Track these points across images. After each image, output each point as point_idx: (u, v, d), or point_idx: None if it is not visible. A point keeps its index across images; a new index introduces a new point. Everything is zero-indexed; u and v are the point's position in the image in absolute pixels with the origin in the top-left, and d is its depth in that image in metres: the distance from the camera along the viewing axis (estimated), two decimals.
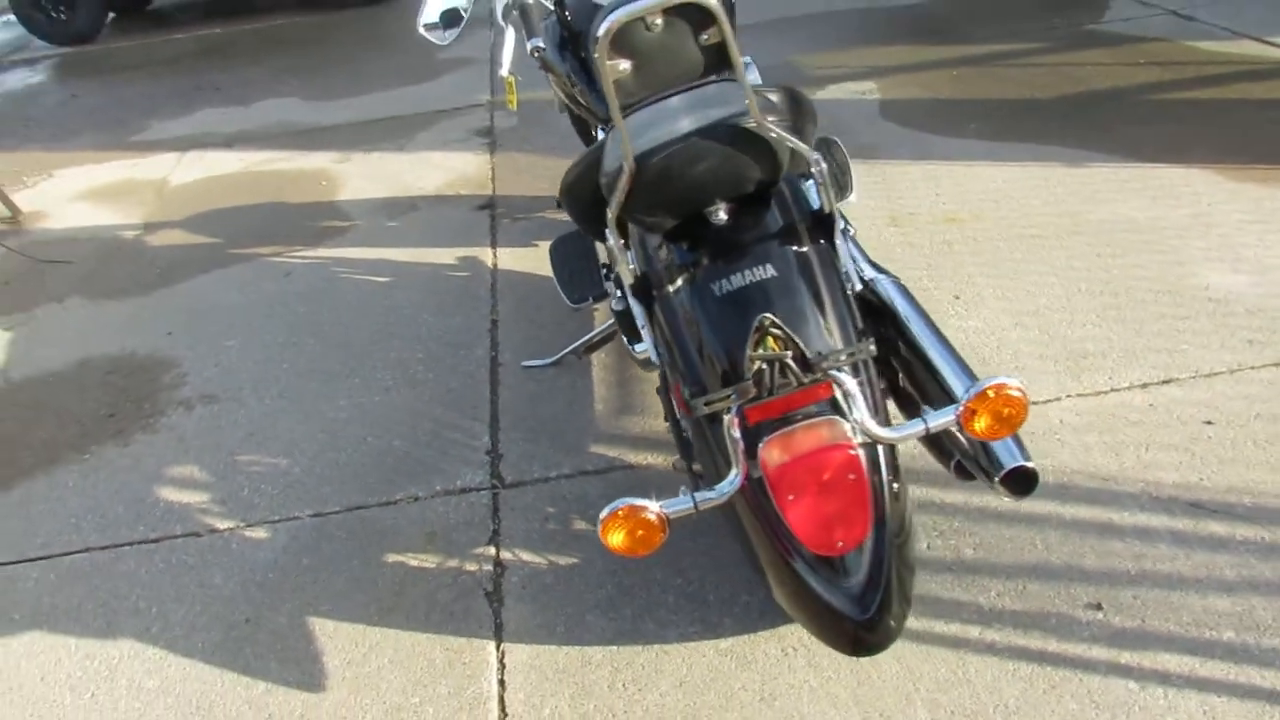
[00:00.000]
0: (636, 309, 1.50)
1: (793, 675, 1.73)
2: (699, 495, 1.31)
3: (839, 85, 4.52)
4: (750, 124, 1.36)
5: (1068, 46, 4.58)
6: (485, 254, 3.34)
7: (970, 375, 1.62)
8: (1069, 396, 2.33)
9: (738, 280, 1.39)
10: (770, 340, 1.27)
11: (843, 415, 1.30)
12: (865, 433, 1.30)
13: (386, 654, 1.87)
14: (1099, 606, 1.80)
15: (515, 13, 2.24)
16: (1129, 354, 2.44)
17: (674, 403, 1.57)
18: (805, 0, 5.93)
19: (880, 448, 1.34)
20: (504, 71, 2.26)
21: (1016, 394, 1.28)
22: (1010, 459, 1.45)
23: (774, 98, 1.70)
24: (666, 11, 1.25)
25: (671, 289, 1.44)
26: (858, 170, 3.64)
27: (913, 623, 1.81)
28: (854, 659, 1.72)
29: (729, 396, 1.29)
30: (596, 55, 1.27)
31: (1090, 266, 2.83)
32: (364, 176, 4.15)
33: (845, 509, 1.25)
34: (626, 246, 1.58)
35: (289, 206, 3.95)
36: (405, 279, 3.25)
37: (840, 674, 1.72)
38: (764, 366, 1.27)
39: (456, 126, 4.60)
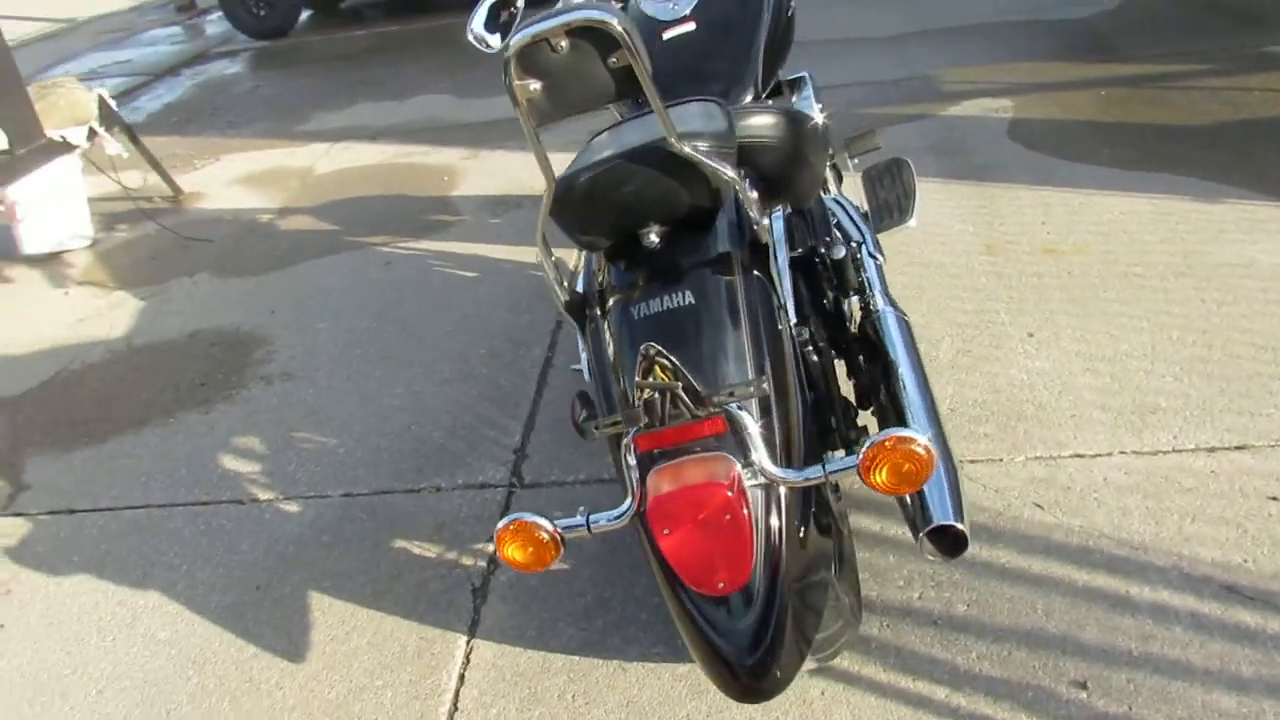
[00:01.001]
0: (575, 326, 1.51)
1: (740, 712, 1.69)
2: (593, 517, 1.31)
3: (973, 101, 4.32)
4: (677, 148, 1.33)
5: (1237, 69, 4.19)
6: (570, 255, 3.39)
7: (940, 437, 1.53)
8: (1122, 453, 2.15)
9: (654, 305, 1.37)
10: (658, 370, 1.25)
11: (746, 452, 1.26)
12: (762, 473, 1.26)
13: (367, 635, 1.96)
14: (1085, 685, 1.66)
15: None
16: (1204, 413, 2.22)
17: None
18: (977, 10, 5.69)
19: (784, 489, 1.29)
20: None
21: (920, 450, 1.20)
22: (940, 515, 1.36)
23: (759, 120, 1.66)
24: (572, 35, 1.25)
25: (599, 308, 1.44)
26: (964, 192, 3.49)
27: (879, 673, 1.73)
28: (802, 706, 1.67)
29: (618, 422, 1.28)
30: (504, 77, 1.29)
31: (1190, 313, 2.59)
32: (483, 173, 4.31)
33: (724, 549, 1.21)
34: (606, 263, 1.58)
35: (409, 199, 4.15)
36: (492, 275, 3.36)
37: (788, 717, 1.67)
38: (655, 395, 1.25)
39: (580, 128, 4.69)
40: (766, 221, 1.39)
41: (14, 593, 2.21)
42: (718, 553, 1.21)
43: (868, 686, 1.71)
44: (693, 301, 1.35)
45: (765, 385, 1.26)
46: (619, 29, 1.23)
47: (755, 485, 1.26)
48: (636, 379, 1.25)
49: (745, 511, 1.20)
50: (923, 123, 4.18)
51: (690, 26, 2.23)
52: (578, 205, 1.43)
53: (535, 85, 1.29)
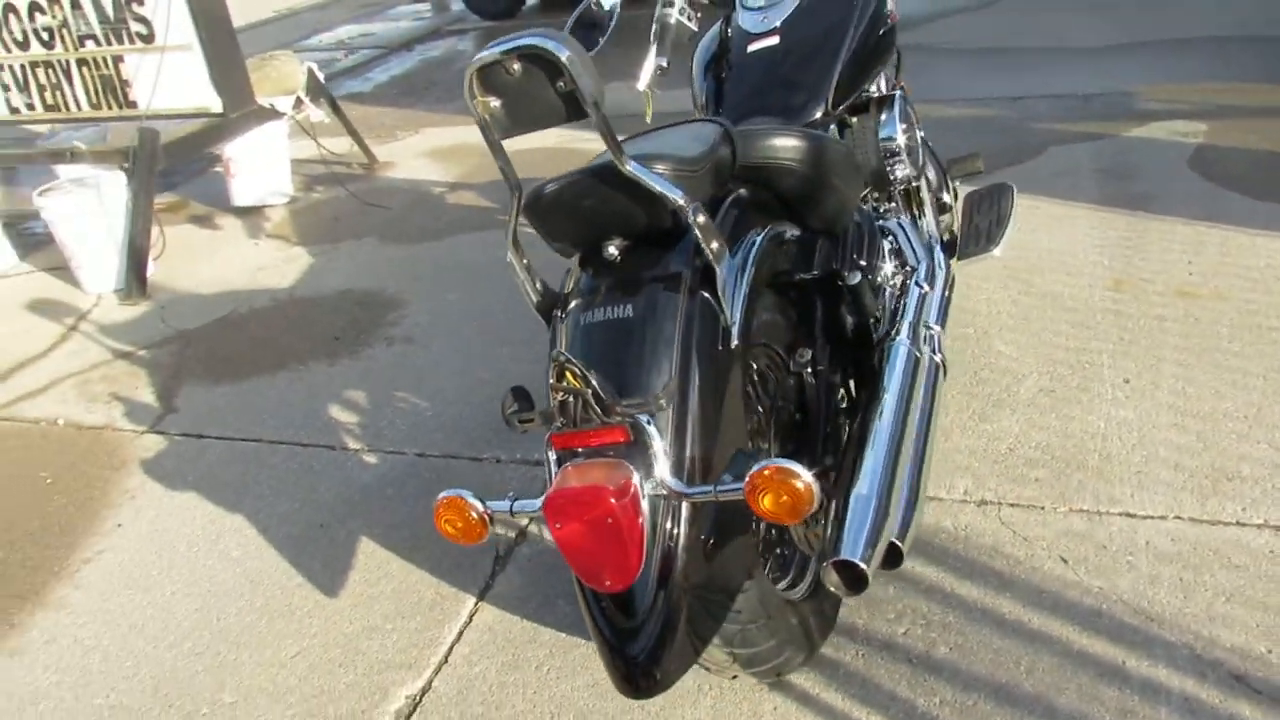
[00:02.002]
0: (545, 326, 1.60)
1: (694, 710, 1.75)
2: (517, 504, 1.41)
3: (1163, 123, 4.01)
4: (624, 169, 1.39)
5: None
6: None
7: (887, 476, 1.52)
8: (1177, 518, 2.00)
9: (598, 315, 1.44)
10: (569, 375, 1.32)
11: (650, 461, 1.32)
12: (660, 484, 1.31)
13: (395, 582, 2.15)
14: None
15: (656, 27, 2.35)
16: None
17: None
18: (1205, 22, 5.25)
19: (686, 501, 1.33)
20: (641, 85, 2.39)
21: (799, 485, 1.22)
22: (846, 550, 1.37)
23: (778, 142, 1.68)
24: (524, 59, 1.33)
25: (559, 313, 1.53)
26: (1113, 220, 3.27)
27: (837, 700, 1.73)
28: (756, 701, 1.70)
29: (533, 419, 1.36)
30: (464, 94, 1.39)
31: None
32: None
33: (608, 551, 1.27)
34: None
35: None
36: None
37: None
38: (569, 399, 1.33)
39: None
40: (715, 245, 1.42)
41: (136, 499, 2.58)
42: (602, 553, 1.28)
43: (820, 710, 1.72)
44: (630, 315, 1.41)
45: (664, 401, 1.32)
46: (561, 57, 1.31)
47: (657, 495, 1.32)
48: (550, 382, 1.34)
49: (635, 518, 1.27)
50: (1099, 143, 3.94)
51: (774, 41, 2.25)
52: (544, 214, 1.52)
53: (495, 102, 1.39)
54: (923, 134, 2.90)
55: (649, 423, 1.32)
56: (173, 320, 3.58)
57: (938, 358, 1.99)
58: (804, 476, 1.23)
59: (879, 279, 2.01)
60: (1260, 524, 1.96)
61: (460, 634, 2.00)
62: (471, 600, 2.08)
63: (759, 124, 2.11)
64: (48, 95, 4.30)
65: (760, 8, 2.34)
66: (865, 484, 1.49)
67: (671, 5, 2.34)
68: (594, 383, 1.30)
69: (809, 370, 1.79)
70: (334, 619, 2.08)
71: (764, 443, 1.67)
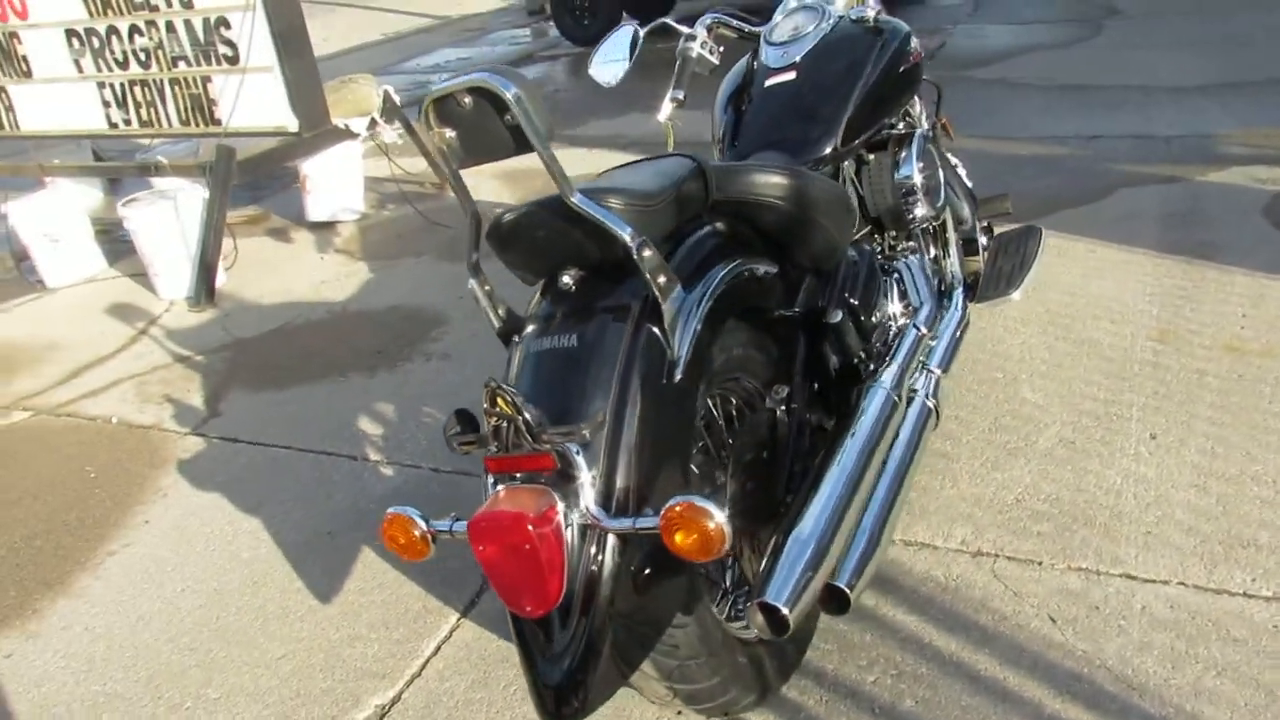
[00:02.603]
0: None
1: None
2: (456, 524, 1.43)
3: (1242, 168, 3.84)
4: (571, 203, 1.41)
5: None
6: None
7: (833, 520, 1.49)
8: (1180, 584, 1.91)
9: (545, 343, 1.46)
10: (500, 401, 1.34)
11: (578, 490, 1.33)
12: (585, 513, 1.32)
13: (385, 593, 2.20)
14: None
15: (678, 60, 2.38)
16: None
17: None
18: None
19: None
20: (660, 117, 2.42)
21: (710, 525, 1.22)
22: (771, 592, 1.35)
23: (759, 179, 1.68)
24: (474, 93, 1.37)
25: (516, 338, 1.55)
26: (1169, 268, 3.15)
27: None
28: None
29: (473, 442, 1.39)
30: (419, 126, 1.44)
31: None
32: None
33: (526, 577, 1.28)
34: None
35: None
36: None
37: None
38: (501, 424, 1.35)
39: None
40: (663, 279, 1.42)
41: (168, 497, 2.70)
42: (521, 578, 1.29)
43: None
44: (574, 344, 1.43)
45: (589, 432, 1.32)
46: (507, 94, 1.34)
47: (583, 524, 1.33)
48: (484, 406, 1.37)
49: (554, 546, 1.28)
50: (1171, 187, 3.79)
51: (791, 76, 2.25)
52: (503, 243, 1.55)
53: (450, 133, 1.43)
54: (963, 170, 2.86)
55: (578, 452, 1.33)
56: (233, 328, 3.75)
57: (930, 402, 1.96)
58: (716, 517, 1.22)
59: (875, 318, 1.98)
60: (1269, 596, 1.85)
61: (438, 648, 2.03)
62: (454, 616, 2.11)
63: (767, 158, 2.12)
64: (143, 112, 4.56)
65: (783, 43, 2.34)
66: (807, 526, 1.47)
67: (693, 40, 2.36)
68: (524, 410, 1.32)
69: (784, 408, 1.77)
70: (323, 625, 2.14)
71: (722, 478, 1.66)
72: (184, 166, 4.15)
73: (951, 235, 2.51)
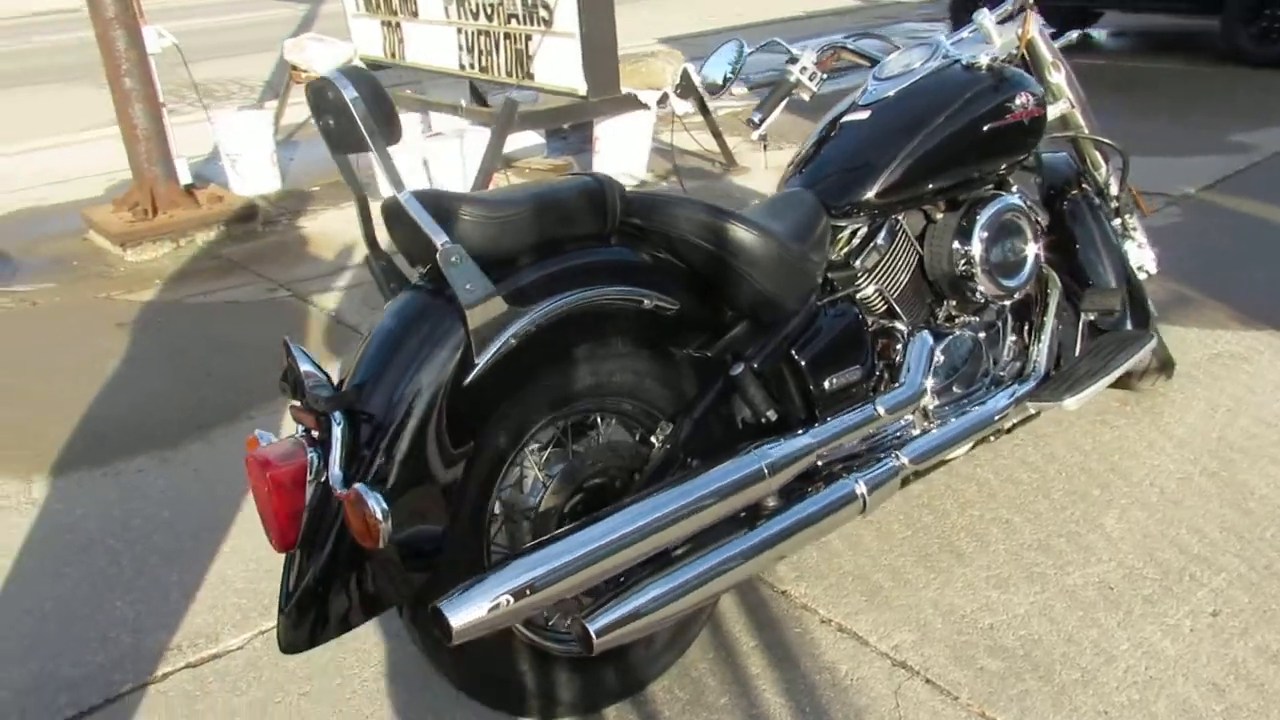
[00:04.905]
0: None
1: None
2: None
3: None
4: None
5: None
6: None
7: (578, 560, 1.49)
8: None
9: (380, 324, 1.57)
10: (286, 357, 1.50)
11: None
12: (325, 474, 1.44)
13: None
14: None
15: (774, 83, 2.32)
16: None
17: None
18: None
19: None
20: (754, 136, 2.38)
21: (366, 514, 1.32)
22: (450, 603, 1.41)
23: (678, 212, 1.66)
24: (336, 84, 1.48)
25: None
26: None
27: None
28: None
29: (285, 386, 1.55)
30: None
31: None
32: None
33: (266, 515, 1.44)
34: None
35: None
36: None
37: None
38: (284, 377, 1.52)
39: None
40: (468, 286, 1.46)
41: None
42: (265, 516, 1.47)
43: None
44: (394, 329, 1.54)
45: (325, 402, 1.44)
46: (345, 94, 1.46)
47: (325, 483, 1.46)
48: (283, 362, 1.54)
49: (286, 496, 1.43)
50: None
51: (864, 115, 2.12)
52: (386, 225, 1.66)
53: (329, 120, 1.57)
54: (1144, 254, 2.48)
55: (337, 421, 1.46)
56: None
57: (860, 488, 1.81)
58: (371, 509, 1.32)
59: (828, 383, 1.85)
60: None
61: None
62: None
63: (795, 197, 2.03)
64: (482, 59, 5.17)
65: (885, 79, 2.20)
66: (541, 555, 1.49)
67: (795, 63, 2.30)
68: (297, 367, 1.49)
69: (660, 440, 1.74)
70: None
71: (541, 489, 1.68)
72: (477, 112, 4.68)
73: (1049, 321, 2.21)
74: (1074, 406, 2.07)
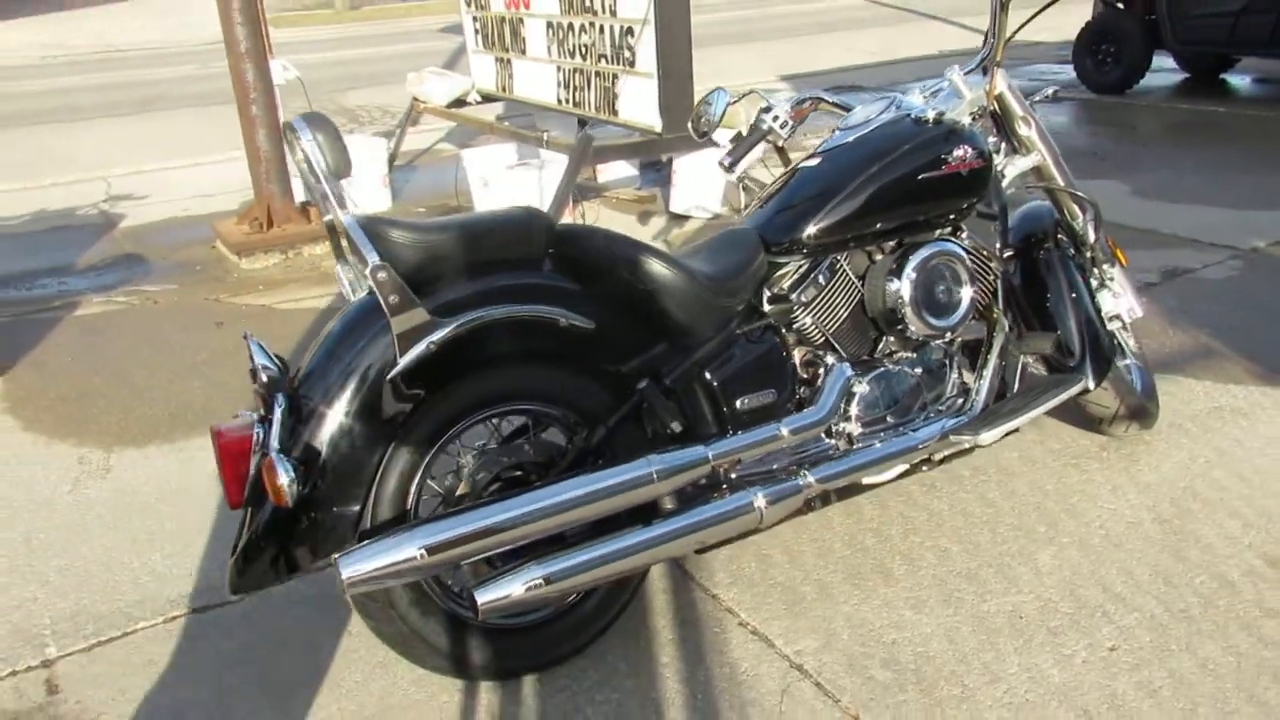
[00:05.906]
0: None
1: None
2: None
3: None
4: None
5: None
6: None
7: (464, 533, 1.74)
8: None
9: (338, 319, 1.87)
10: (248, 347, 1.82)
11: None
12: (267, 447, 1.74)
13: None
14: None
15: (748, 126, 2.52)
16: None
17: None
18: None
19: None
20: (730, 178, 2.60)
21: (276, 479, 1.61)
22: (348, 558, 1.67)
23: (594, 240, 1.90)
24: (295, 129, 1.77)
25: None
26: None
27: None
28: None
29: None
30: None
31: None
32: None
33: (224, 480, 1.76)
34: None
35: None
36: None
37: None
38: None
39: None
40: (394, 299, 1.71)
41: None
42: (221, 477, 1.78)
43: None
44: (339, 330, 1.83)
45: (266, 386, 1.74)
46: (301, 137, 1.75)
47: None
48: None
49: (233, 464, 1.74)
50: None
51: (816, 162, 2.30)
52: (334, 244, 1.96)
53: (301, 156, 1.87)
54: (1118, 304, 2.55)
55: (278, 404, 1.76)
56: None
57: (760, 500, 1.98)
58: (280, 477, 1.62)
59: (741, 403, 2.04)
60: None
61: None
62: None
63: (736, 234, 2.24)
64: (576, 95, 5.54)
65: (849, 128, 2.38)
66: (438, 525, 1.74)
67: (769, 111, 2.50)
68: (254, 357, 1.80)
69: (576, 443, 1.97)
70: None
71: (466, 476, 1.94)
72: (559, 144, 5.01)
73: (992, 360, 2.32)
74: (988, 442, 2.18)
